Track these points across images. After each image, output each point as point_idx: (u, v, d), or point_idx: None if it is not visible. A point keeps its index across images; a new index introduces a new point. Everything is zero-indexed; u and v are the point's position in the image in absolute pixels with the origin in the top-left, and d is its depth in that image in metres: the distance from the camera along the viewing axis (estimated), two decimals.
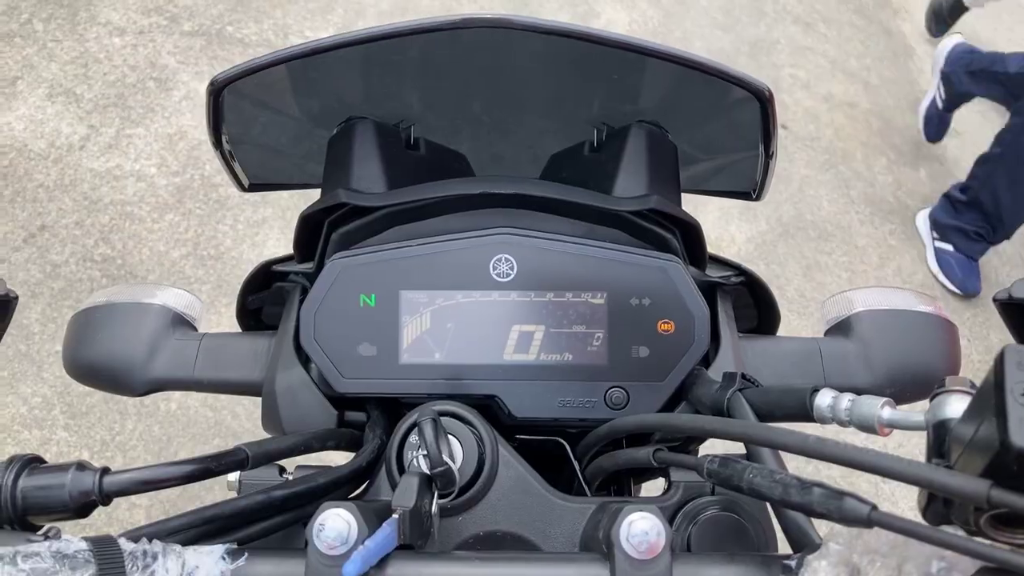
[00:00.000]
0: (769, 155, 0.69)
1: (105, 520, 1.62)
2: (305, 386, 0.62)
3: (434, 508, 0.47)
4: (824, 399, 0.46)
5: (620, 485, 0.73)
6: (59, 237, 2.12)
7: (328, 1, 2.77)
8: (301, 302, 0.63)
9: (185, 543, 0.40)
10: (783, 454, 0.46)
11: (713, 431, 0.47)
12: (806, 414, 0.48)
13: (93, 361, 0.66)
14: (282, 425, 0.62)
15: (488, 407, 0.60)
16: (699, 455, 0.49)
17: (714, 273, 0.68)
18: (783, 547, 0.48)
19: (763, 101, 0.64)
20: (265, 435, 0.63)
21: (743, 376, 0.55)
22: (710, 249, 0.69)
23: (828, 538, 0.38)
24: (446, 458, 0.50)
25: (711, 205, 2.46)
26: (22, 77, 2.40)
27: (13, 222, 2.13)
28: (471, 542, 0.53)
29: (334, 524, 0.40)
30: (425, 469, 0.49)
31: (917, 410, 0.42)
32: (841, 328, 0.67)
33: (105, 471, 0.44)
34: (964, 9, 3.04)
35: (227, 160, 0.74)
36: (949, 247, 2.49)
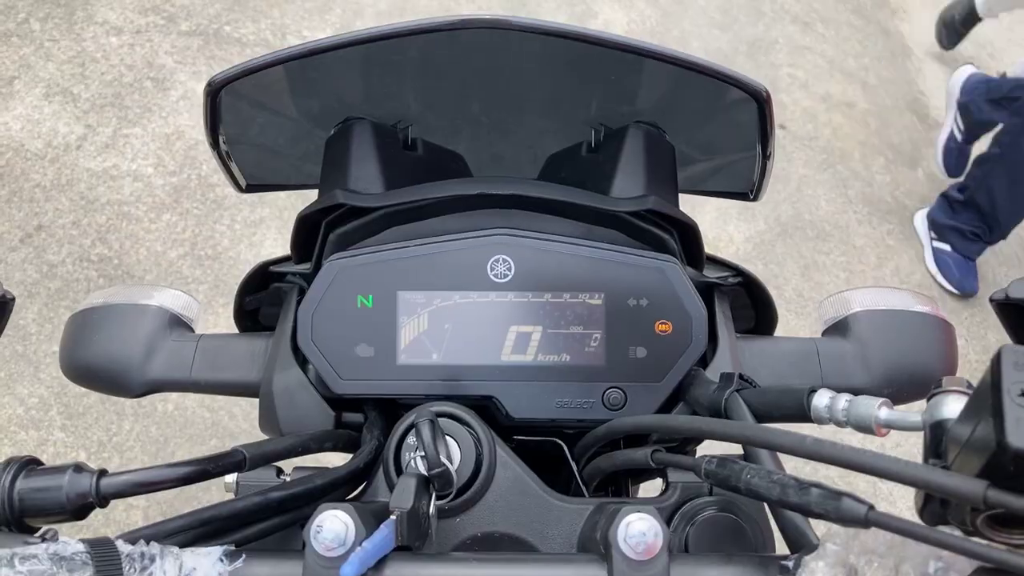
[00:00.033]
0: (766, 156, 0.69)
1: (103, 521, 1.62)
2: (302, 387, 0.62)
3: (432, 509, 0.47)
4: (821, 400, 0.46)
5: (618, 486, 0.73)
6: (56, 237, 2.12)
7: (326, 1, 2.77)
8: (298, 303, 0.63)
9: (183, 545, 0.40)
10: (781, 455, 0.46)
11: (710, 432, 0.47)
12: (803, 415, 0.48)
13: (90, 362, 0.66)
14: (279, 426, 0.62)
15: (486, 408, 0.60)
16: (697, 455, 0.49)
17: (712, 274, 0.68)
18: (781, 548, 0.48)
19: (760, 102, 0.64)
20: (262, 436, 0.63)
21: (740, 377, 0.55)
22: (708, 249, 0.69)
23: (825, 538, 0.38)
24: (444, 459, 0.50)
25: (709, 205, 2.46)
26: (19, 76, 2.40)
27: (10, 222, 2.13)
28: (469, 543, 0.53)
29: (332, 525, 0.40)
30: (423, 470, 0.49)
31: (914, 410, 0.42)
32: (838, 328, 0.67)
33: (102, 473, 0.44)
34: (977, 20, 2.99)
35: (224, 161, 0.74)
36: (947, 247, 2.50)
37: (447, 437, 0.53)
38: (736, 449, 0.51)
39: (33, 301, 2.00)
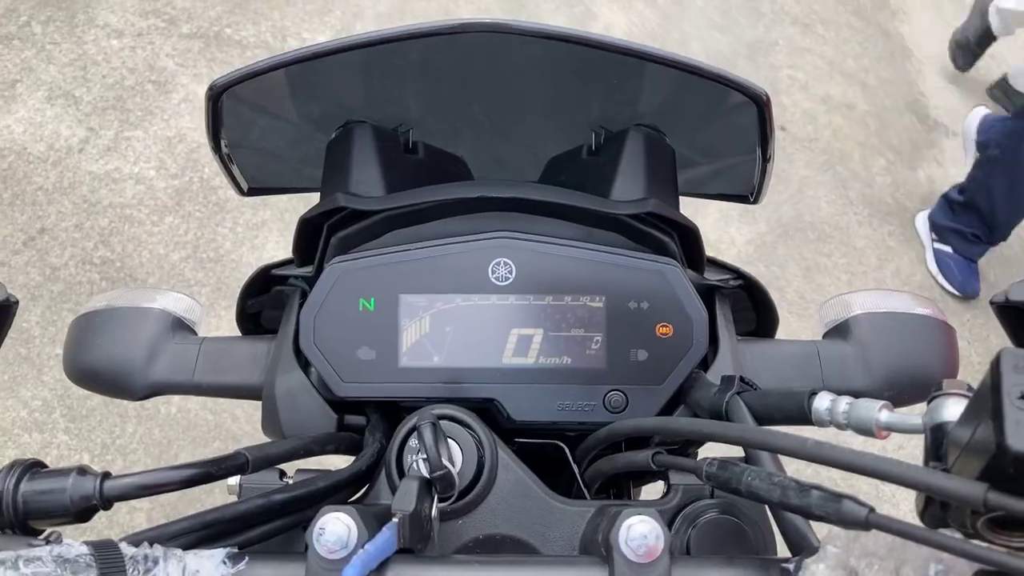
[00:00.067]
0: (766, 159, 0.69)
1: (106, 524, 1.62)
2: (305, 390, 0.62)
3: (434, 512, 0.47)
4: (822, 402, 0.46)
5: (619, 488, 0.73)
6: (58, 240, 2.12)
7: (326, 3, 2.77)
8: (300, 306, 0.63)
9: (186, 547, 0.40)
10: (782, 457, 0.46)
11: (711, 435, 0.47)
12: (804, 417, 0.48)
13: (93, 365, 0.66)
14: (282, 429, 0.62)
15: (487, 411, 0.61)
16: (699, 458, 0.49)
17: (712, 276, 0.68)
18: (782, 550, 0.48)
19: (760, 105, 0.64)
20: (265, 439, 0.63)
21: (741, 379, 0.55)
22: (710, 251, 0.69)
23: (826, 541, 0.38)
24: (445, 462, 0.50)
25: (711, 207, 2.46)
26: (21, 80, 2.40)
27: (12, 225, 2.13)
28: (471, 545, 0.53)
29: (334, 528, 0.40)
30: (425, 473, 0.49)
31: (915, 413, 0.42)
32: (839, 331, 0.67)
33: (106, 476, 0.44)
34: (992, 39, 2.94)
35: (226, 164, 0.75)
36: (948, 249, 2.50)
37: (449, 440, 0.53)
38: (738, 452, 0.51)
39: (36, 304, 2.00)
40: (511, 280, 0.61)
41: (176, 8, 2.65)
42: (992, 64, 3.16)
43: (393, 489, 0.53)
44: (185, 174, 2.29)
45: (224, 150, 0.72)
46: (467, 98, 0.77)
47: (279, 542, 0.51)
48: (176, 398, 1.89)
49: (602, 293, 0.61)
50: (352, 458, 0.57)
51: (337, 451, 0.61)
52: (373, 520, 0.41)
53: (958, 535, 0.35)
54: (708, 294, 0.66)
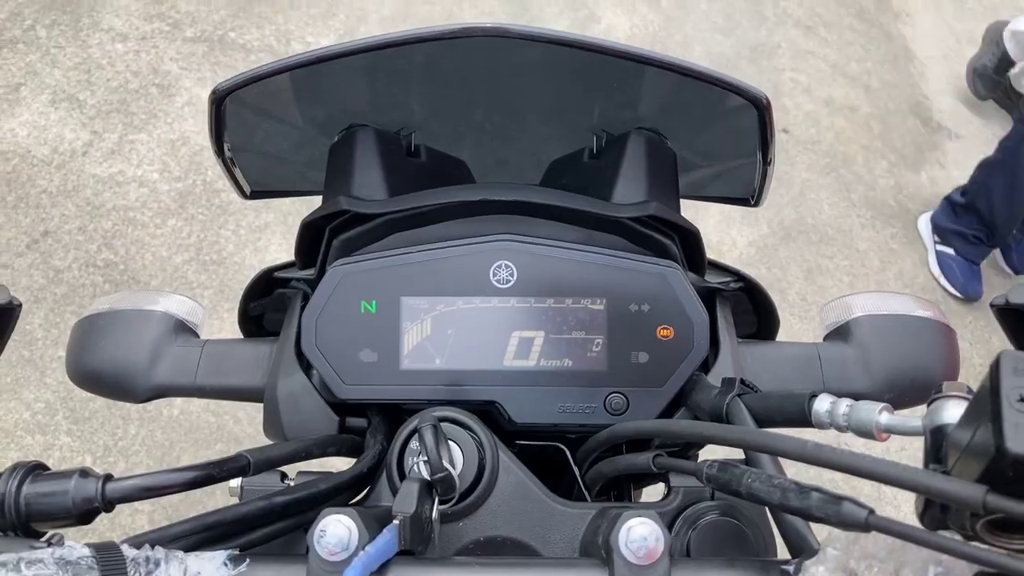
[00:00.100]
0: (767, 162, 0.69)
1: (108, 526, 1.62)
2: (306, 392, 0.62)
3: (435, 514, 0.47)
4: (822, 404, 0.47)
5: (620, 490, 0.73)
6: (62, 243, 2.13)
7: (329, 7, 2.78)
8: (302, 308, 0.63)
9: (187, 549, 0.41)
10: (783, 460, 0.46)
11: (711, 437, 0.47)
12: (805, 419, 0.48)
13: (96, 368, 0.66)
14: (284, 431, 0.62)
15: (488, 413, 0.61)
16: (699, 460, 0.49)
17: (713, 279, 0.68)
18: (782, 552, 0.48)
19: (760, 109, 0.65)
20: (267, 441, 0.63)
21: (742, 382, 0.55)
22: (712, 253, 0.69)
23: (826, 543, 0.38)
24: (446, 464, 0.50)
25: (713, 209, 2.46)
26: (25, 83, 2.41)
27: (16, 228, 2.14)
28: (471, 548, 0.53)
29: (335, 530, 0.40)
30: (426, 475, 0.49)
31: (915, 415, 0.42)
32: (840, 333, 0.67)
33: (108, 478, 0.45)
34: (1011, 63, 2.83)
35: (229, 168, 0.75)
36: (950, 251, 2.49)
37: (450, 442, 0.53)
38: (739, 453, 0.51)
39: (39, 306, 2.01)
40: (512, 283, 0.61)
41: (180, 12, 2.66)
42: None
43: (394, 491, 0.53)
44: (188, 177, 2.30)
45: (227, 154, 0.73)
46: (469, 101, 0.77)
47: (280, 544, 0.51)
48: (179, 400, 1.90)
49: (603, 296, 0.61)
50: (353, 460, 0.57)
51: (338, 453, 0.61)
52: (374, 522, 0.42)
53: (958, 537, 0.35)
54: (709, 297, 0.67)
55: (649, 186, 0.68)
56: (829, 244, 2.53)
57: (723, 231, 2.47)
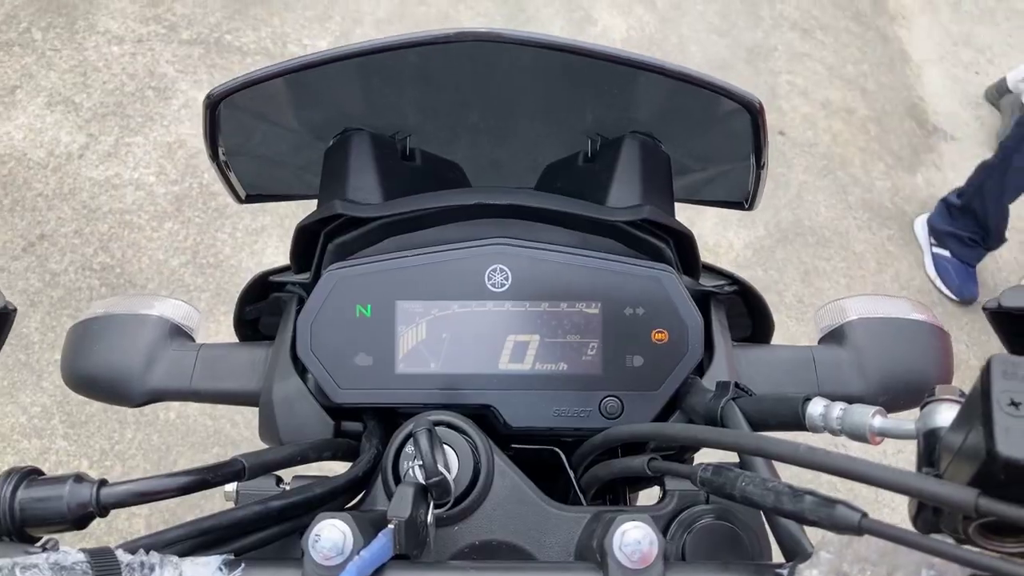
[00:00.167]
0: (760, 166, 0.70)
1: (105, 530, 1.62)
2: (302, 396, 0.62)
3: (430, 518, 0.48)
4: (816, 408, 0.47)
5: (616, 494, 0.73)
6: (58, 246, 2.13)
7: (325, 9, 2.78)
8: (298, 312, 0.63)
9: (182, 554, 0.41)
10: (777, 463, 0.46)
11: (706, 440, 0.47)
12: (799, 423, 0.48)
13: (91, 372, 0.66)
14: (279, 435, 0.62)
15: (484, 417, 0.61)
16: (695, 463, 0.49)
17: (708, 282, 0.68)
18: (777, 556, 0.48)
19: (753, 113, 0.65)
20: (263, 445, 0.63)
21: (736, 385, 0.55)
22: (709, 255, 0.69)
23: (819, 546, 0.38)
24: (441, 468, 0.50)
25: (709, 211, 2.47)
26: (21, 86, 2.41)
27: (12, 231, 2.14)
28: (467, 551, 0.53)
29: (329, 534, 0.40)
30: (421, 479, 0.49)
31: (908, 419, 0.42)
32: (835, 336, 0.67)
33: (102, 483, 0.45)
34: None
35: (224, 172, 0.75)
36: (946, 253, 2.50)
37: (445, 446, 0.53)
38: (735, 457, 0.51)
39: (36, 310, 2.01)
40: (507, 287, 0.61)
41: (176, 14, 2.66)
42: (992, 69, 3.17)
43: (389, 495, 0.54)
44: (185, 180, 2.30)
45: (222, 158, 0.73)
46: (464, 105, 0.78)
47: (275, 548, 0.51)
48: (175, 404, 1.89)
49: (598, 299, 0.61)
50: (349, 464, 0.57)
51: (334, 457, 0.61)
52: (369, 526, 0.42)
53: (950, 540, 0.35)
54: (703, 300, 0.67)
55: (643, 190, 0.68)
56: (826, 246, 2.54)
57: (720, 233, 2.48)
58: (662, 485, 0.57)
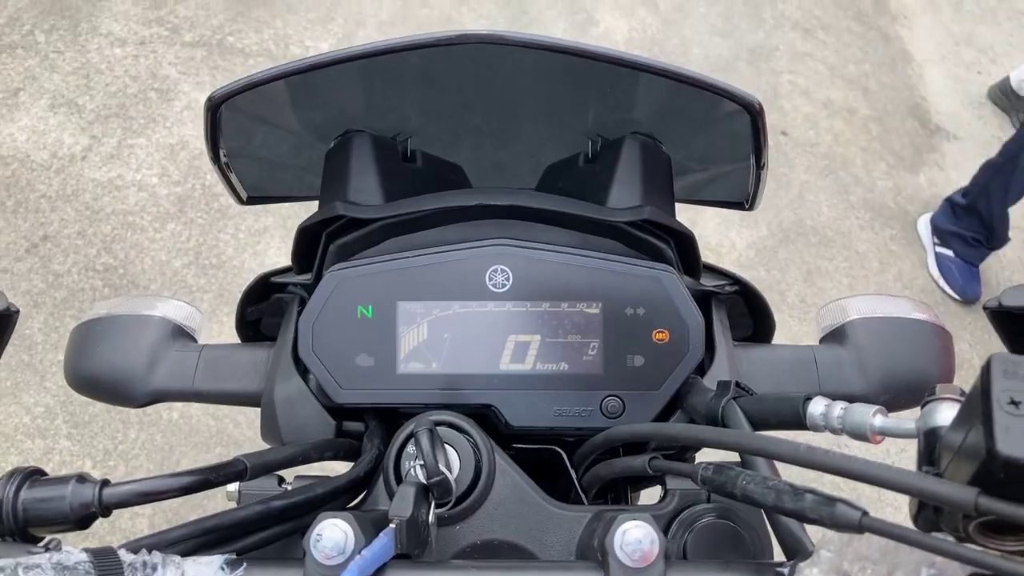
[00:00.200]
0: (761, 166, 0.70)
1: (108, 530, 1.63)
2: (304, 397, 0.62)
3: (431, 518, 0.48)
4: (817, 407, 0.47)
5: (617, 493, 0.73)
6: (61, 247, 2.13)
7: (328, 11, 2.79)
8: (299, 313, 0.64)
9: (184, 554, 0.41)
10: (778, 463, 0.46)
11: (706, 440, 0.47)
12: (800, 422, 0.48)
13: (94, 373, 0.66)
14: (281, 436, 0.62)
15: (485, 416, 0.61)
16: (696, 462, 0.49)
17: (708, 282, 0.68)
18: (779, 555, 0.48)
19: (753, 114, 0.65)
20: (265, 445, 0.63)
21: (737, 385, 0.55)
22: (711, 255, 0.69)
23: (820, 545, 0.38)
24: (443, 468, 0.50)
25: (711, 211, 2.46)
26: (24, 88, 2.42)
27: (16, 232, 2.14)
28: (468, 551, 0.53)
29: (331, 534, 0.40)
30: (422, 479, 0.49)
31: (909, 418, 0.42)
32: (836, 336, 0.67)
33: (105, 483, 0.45)
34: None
35: (225, 174, 0.75)
36: (950, 252, 2.50)
37: (446, 446, 0.54)
38: (735, 456, 0.51)
39: (39, 311, 2.01)
40: (508, 287, 0.61)
41: (179, 17, 2.67)
42: (994, 68, 3.17)
43: (391, 495, 0.54)
44: (187, 181, 2.30)
45: (223, 160, 0.73)
46: (465, 106, 0.78)
47: (278, 548, 0.52)
48: (178, 404, 1.90)
49: (599, 299, 0.61)
50: (350, 464, 0.57)
51: (335, 457, 0.61)
52: (370, 526, 0.42)
53: (950, 539, 0.35)
54: (704, 300, 0.67)
55: (644, 190, 0.68)
56: (828, 246, 2.53)
57: (722, 233, 2.47)
58: (663, 484, 0.57)
